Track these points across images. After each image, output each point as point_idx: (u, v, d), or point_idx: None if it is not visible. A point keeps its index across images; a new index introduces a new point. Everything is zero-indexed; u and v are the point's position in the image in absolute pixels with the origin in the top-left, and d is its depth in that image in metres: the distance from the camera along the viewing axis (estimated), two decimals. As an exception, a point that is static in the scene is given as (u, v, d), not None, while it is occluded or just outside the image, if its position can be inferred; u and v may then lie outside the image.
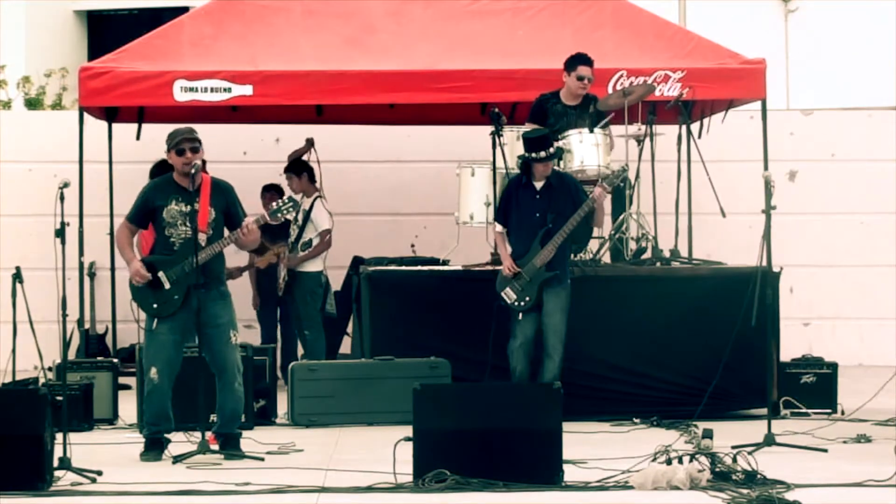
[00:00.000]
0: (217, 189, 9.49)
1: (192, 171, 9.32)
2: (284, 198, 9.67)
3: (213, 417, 9.81)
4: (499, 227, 10.89)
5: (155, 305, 9.36)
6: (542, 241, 10.56)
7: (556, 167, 11.34)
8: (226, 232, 9.48)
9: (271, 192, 13.63)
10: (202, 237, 9.32)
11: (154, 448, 9.35)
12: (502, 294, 10.68)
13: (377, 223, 15.34)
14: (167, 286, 9.36)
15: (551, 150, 10.64)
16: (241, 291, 13.84)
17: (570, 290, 10.67)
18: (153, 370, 9.35)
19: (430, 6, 12.84)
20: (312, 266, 13.09)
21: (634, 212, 11.86)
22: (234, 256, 13.70)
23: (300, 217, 13.11)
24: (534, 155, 10.58)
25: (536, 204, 10.64)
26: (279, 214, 9.58)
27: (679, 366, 11.29)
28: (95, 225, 13.19)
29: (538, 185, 10.69)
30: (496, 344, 10.74)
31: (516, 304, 10.64)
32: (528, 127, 11.59)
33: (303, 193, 13.12)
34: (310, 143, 13.50)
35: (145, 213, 9.49)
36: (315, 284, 13.10)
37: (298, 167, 13.25)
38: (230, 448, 9.37)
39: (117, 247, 9.66)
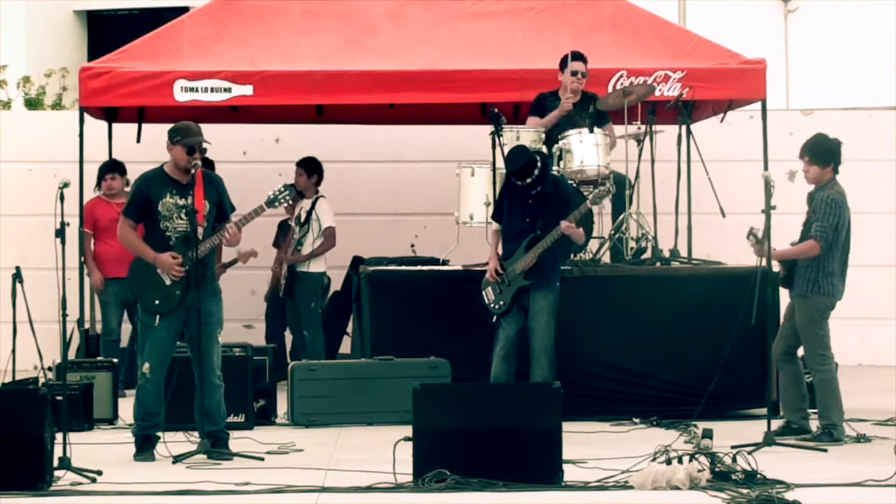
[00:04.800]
0: (209, 181, 9.50)
1: (194, 169, 9.36)
2: (280, 186, 9.65)
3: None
4: (494, 225, 10.80)
5: (157, 301, 9.33)
6: (527, 247, 10.50)
7: (556, 167, 11.34)
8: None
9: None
10: (199, 231, 9.32)
11: (146, 447, 9.34)
12: (483, 293, 10.65)
13: (377, 223, 15.34)
14: (167, 282, 9.36)
15: (536, 173, 10.45)
16: (236, 291, 13.85)
17: (558, 294, 10.54)
18: (146, 366, 9.33)
19: (431, 7, 12.85)
20: (316, 266, 13.10)
21: (634, 212, 11.86)
22: (226, 251, 13.68)
23: (302, 216, 13.12)
24: (519, 183, 10.50)
25: (528, 209, 10.55)
26: (276, 203, 9.58)
27: (679, 366, 11.28)
28: (95, 225, 13.18)
29: (533, 191, 10.62)
30: (490, 343, 10.72)
31: (492, 306, 10.59)
32: (529, 123, 11.61)
33: (304, 192, 13.12)
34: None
35: (142, 207, 9.42)
36: (317, 285, 13.12)
37: (313, 166, 13.23)
38: (219, 448, 9.31)
39: (130, 247, 9.50)
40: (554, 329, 10.47)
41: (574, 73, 11.67)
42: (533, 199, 10.52)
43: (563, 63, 11.71)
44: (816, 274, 9.96)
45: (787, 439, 9.78)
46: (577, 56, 11.71)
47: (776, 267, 10.33)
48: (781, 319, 10.34)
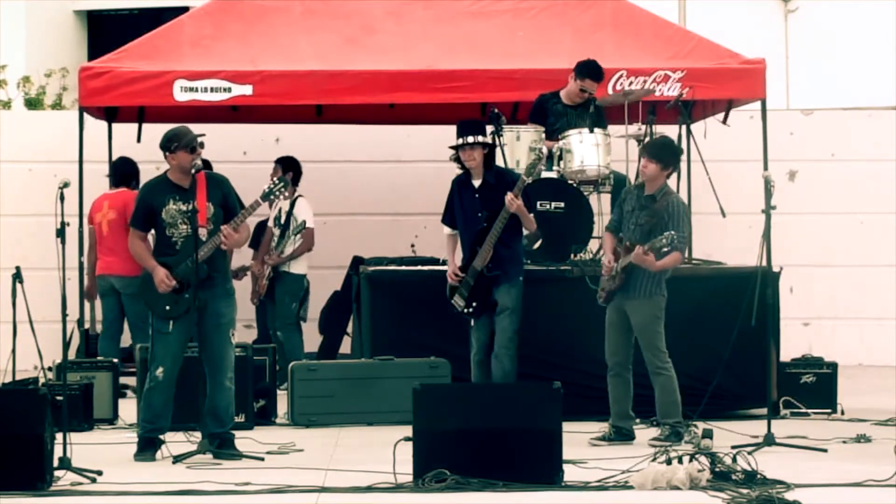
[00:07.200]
0: (213, 183, 9.52)
1: (195, 168, 9.38)
2: (275, 178, 9.68)
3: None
4: (446, 230, 10.81)
5: (168, 307, 9.35)
6: (478, 242, 10.48)
7: (556, 167, 11.34)
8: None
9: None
10: (202, 232, 9.32)
11: (148, 448, 9.35)
12: (452, 302, 10.63)
13: (377, 223, 15.34)
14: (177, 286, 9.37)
15: (480, 138, 10.44)
16: (241, 291, 13.84)
17: (520, 288, 10.52)
18: (160, 369, 9.34)
19: (431, 6, 12.85)
20: (298, 268, 13.05)
21: (634, 212, 11.85)
22: (237, 256, 13.71)
23: (282, 217, 13.07)
24: (460, 141, 10.46)
25: (476, 203, 10.55)
26: (272, 196, 9.61)
27: (679, 366, 11.19)
28: (95, 225, 13.19)
29: (476, 183, 10.60)
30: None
31: (465, 311, 10.59)
32: (529, 126, 11.60)
33: None
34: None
35: (147, 217, 9.46)
36: (297, 287, 13.05)
37: (286, 164, 13.19)
38: (226, 448, 9.34)
39: (136, 257, 9.61)
40: (518, 323, 10.46)
41: (583, 91, 11.67)
42: (479, 192, 10.51)
43: (579, 71, 11.63)
44: (660, 275, 9.95)
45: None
46: (596, 77, 11.65)
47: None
48: (607, 335, 10.14)
